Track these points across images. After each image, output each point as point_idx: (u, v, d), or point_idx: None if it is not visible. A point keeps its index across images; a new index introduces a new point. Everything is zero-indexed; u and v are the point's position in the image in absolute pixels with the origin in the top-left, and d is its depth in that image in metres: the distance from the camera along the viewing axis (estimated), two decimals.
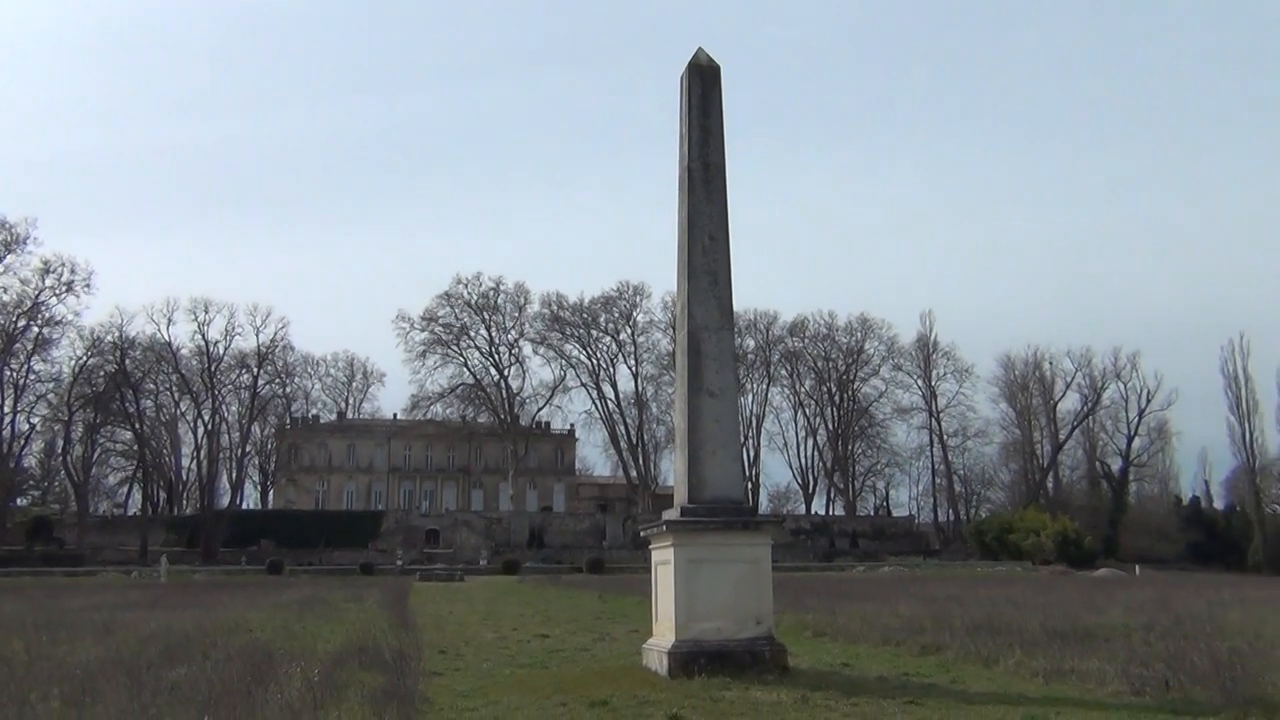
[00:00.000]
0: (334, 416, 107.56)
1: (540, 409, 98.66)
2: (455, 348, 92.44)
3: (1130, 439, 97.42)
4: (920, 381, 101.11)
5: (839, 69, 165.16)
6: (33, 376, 78.37)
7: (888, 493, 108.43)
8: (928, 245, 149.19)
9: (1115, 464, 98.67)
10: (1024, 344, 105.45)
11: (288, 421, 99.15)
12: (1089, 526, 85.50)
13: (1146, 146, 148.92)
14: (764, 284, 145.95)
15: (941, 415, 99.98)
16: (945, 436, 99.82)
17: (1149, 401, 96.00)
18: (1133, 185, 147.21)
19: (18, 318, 75.03)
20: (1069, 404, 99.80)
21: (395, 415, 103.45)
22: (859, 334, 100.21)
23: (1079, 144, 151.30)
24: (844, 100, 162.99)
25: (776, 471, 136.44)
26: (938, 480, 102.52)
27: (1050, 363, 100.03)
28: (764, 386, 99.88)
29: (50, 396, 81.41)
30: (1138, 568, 68.51)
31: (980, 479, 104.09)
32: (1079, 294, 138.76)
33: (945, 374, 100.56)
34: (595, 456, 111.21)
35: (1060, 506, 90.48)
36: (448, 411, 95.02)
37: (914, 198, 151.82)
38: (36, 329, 76.09)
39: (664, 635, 11.62)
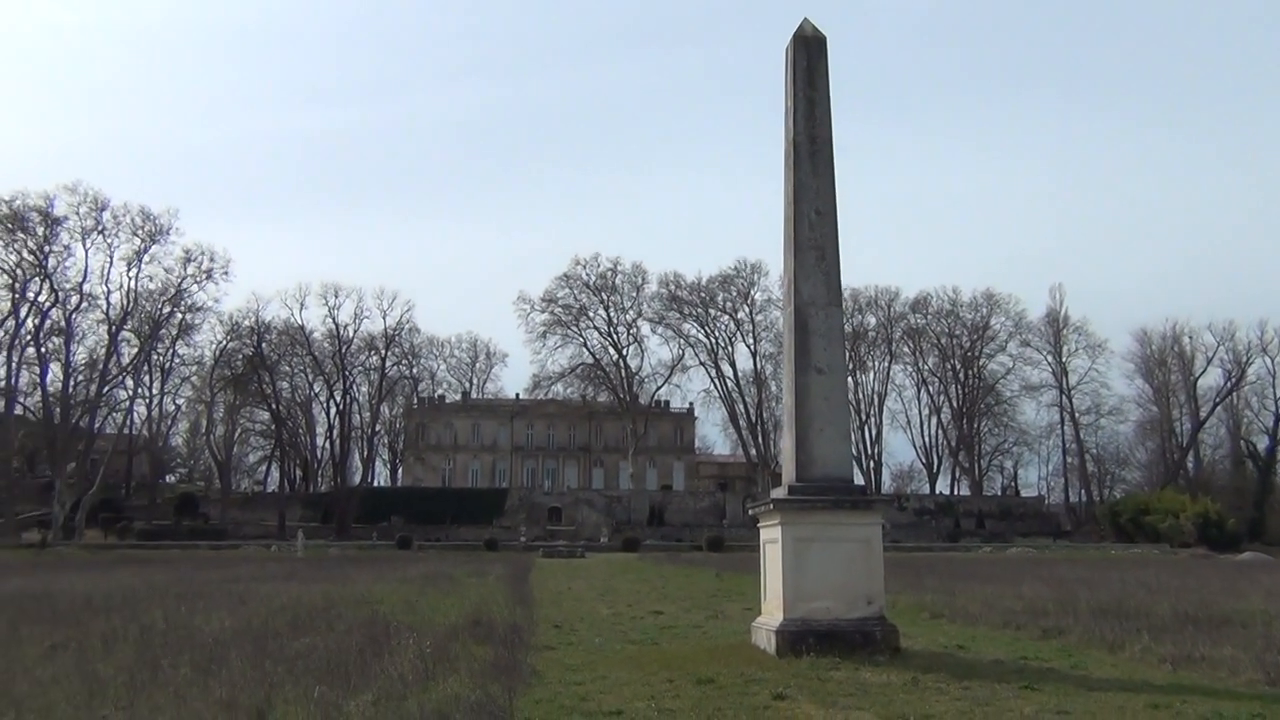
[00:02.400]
0: (459, 396, 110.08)
1: (659, 388, 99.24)
2: (575, 328, 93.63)
3: (1278, 417, 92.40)
4: (1050, 358, 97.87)
5: (962, 35, 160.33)
6: (177, 360, 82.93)
7: (1016, 472, 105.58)
8: (1057, 217, 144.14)
9: (1261, 443, 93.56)
10: (1161, 318, 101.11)
11: (415, 401, 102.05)
12: (1232, 508, 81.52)
13: None
14: (884, 260, 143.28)
15: (1073, 392, 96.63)
16: (1077, 414, 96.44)
17: None
18: (1276, 150, 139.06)
19: (163, 305, 79.11)
20: (1210, 380, 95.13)
21: (518, 395, 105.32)
22: (984, 310, 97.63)
23: (1219, 108, 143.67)
24: (967, 68, 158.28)
25: (899, 450, 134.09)
26: (1069, 460, 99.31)
27: (1190, 337, 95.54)
28: (885, 364, 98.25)
29: (194, 379, 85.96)
30: None
31: (1114, 458, 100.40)
32: (1221, 265, 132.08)
33: (1076, 350, 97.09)
34: (715, 435, 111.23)
35: (1201, 487, 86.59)
36: (568, 391, 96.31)
37: (1042, 167, 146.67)
38: (180, 315, 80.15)
39: (772, 614, 11.54)
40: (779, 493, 11.87)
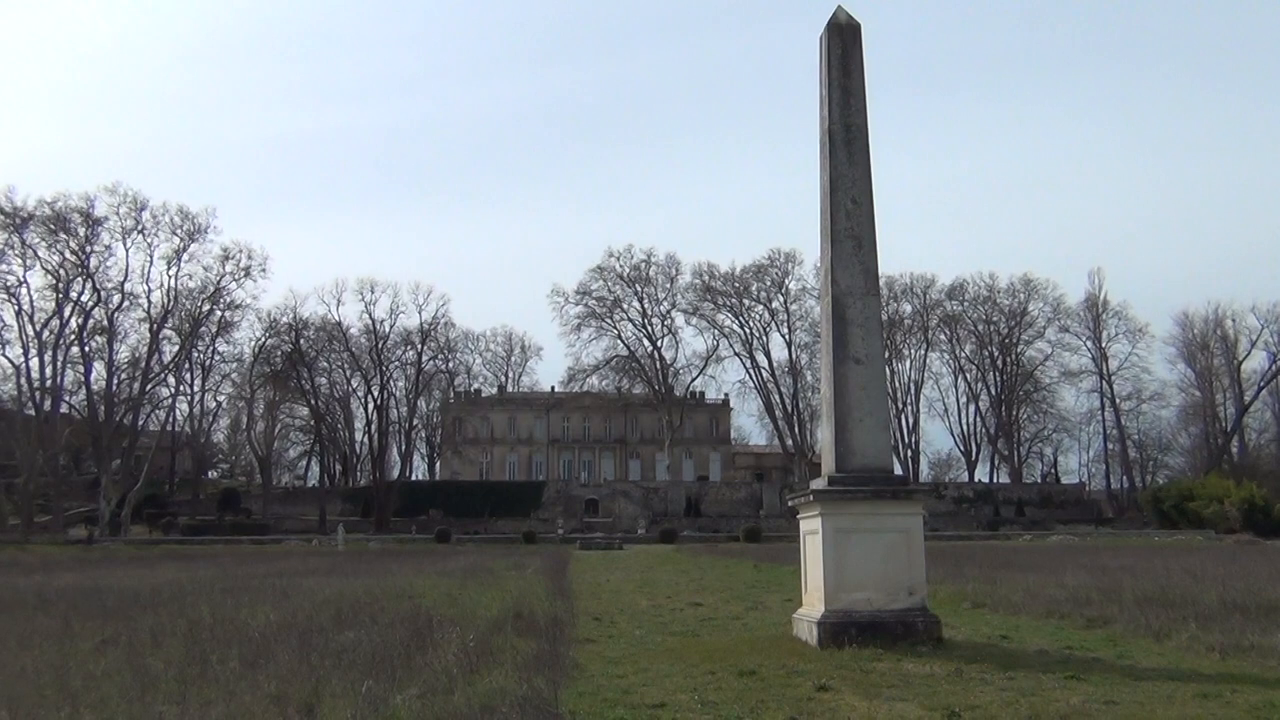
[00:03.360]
0: (495, 390, 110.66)
1: (694, 379, 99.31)
2: (609, 320, 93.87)
3: None
4: (1089, 343, 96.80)
5: (998, 16, 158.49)
6: (218, 357, 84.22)
7: (1056, 459, 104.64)
8: (1095, 200, 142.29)
9: None
10: (1204, 301, 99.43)
11: (451, 396, 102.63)
12: (1279, 493, 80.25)
13: None
14: (920, 247, 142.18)
15: (1113, 378, 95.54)
16: (1118, 400, 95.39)
17: None
18: None
19: (202, 302, 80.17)
20: (1255, 363, 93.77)
21: (553, 388, 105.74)
22: (1022, 295, 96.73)
23: (1258, 86, 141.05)
24: (1003, 50, 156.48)
25: (937, 439, 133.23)
26: (1110, 446, 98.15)
27: (1233, 320, 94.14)
28: (922, 352, 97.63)
29: (234, 376, 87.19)
30: None
31: (1157, 444, 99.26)
32: (1264, 246, 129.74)
33: (1117, 334, 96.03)
34: (751, 425, 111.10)
35: (1246, 472, 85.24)
36: (603, 383, 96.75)
37: (1079, 149, 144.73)
38: (219, 313, 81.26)
39: (813, 605, 11.51)
40: (819, 484, 11.83)
